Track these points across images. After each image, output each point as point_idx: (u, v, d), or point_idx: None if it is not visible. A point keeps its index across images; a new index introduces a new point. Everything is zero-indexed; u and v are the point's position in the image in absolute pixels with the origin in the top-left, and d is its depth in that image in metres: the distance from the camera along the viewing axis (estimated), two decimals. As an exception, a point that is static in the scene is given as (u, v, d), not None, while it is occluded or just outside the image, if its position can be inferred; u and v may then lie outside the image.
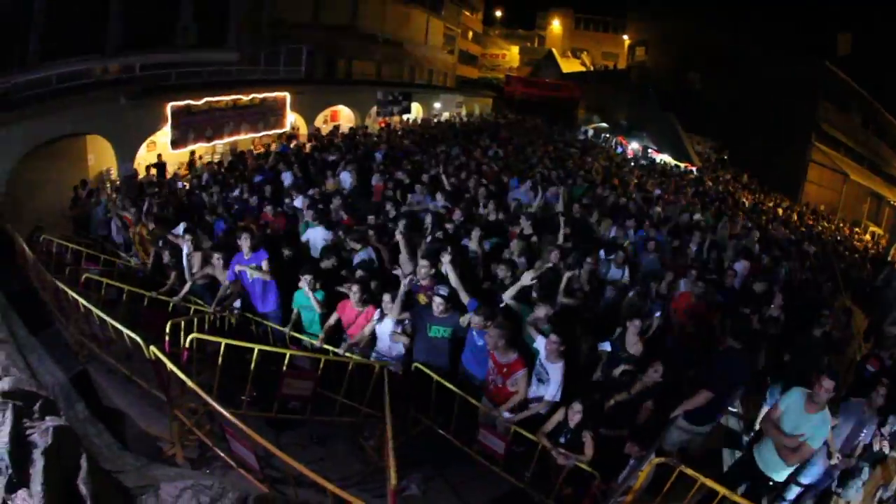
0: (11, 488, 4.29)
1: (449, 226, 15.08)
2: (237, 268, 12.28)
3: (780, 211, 42.84)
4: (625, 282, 14.25)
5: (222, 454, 8.22)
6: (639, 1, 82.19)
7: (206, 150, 32.07)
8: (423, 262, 11.46)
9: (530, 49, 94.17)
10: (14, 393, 5.05)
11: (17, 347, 8.09)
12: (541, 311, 10.52)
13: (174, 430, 8.86)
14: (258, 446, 7.22)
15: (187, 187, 22.66)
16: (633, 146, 61.26)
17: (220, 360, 9.35)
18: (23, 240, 15.09)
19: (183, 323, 10.61)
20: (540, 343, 9.97)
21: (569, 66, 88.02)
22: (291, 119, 36.72)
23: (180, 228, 14.91)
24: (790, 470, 8.49)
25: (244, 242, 12.30)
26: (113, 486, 5.35)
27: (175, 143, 29.13)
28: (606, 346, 10.89)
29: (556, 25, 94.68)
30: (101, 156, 27.69)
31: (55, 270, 14.08)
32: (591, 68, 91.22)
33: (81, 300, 10.40)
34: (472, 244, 13.92)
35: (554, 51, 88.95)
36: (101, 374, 10.47)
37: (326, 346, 11.19)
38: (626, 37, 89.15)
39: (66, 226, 21.15)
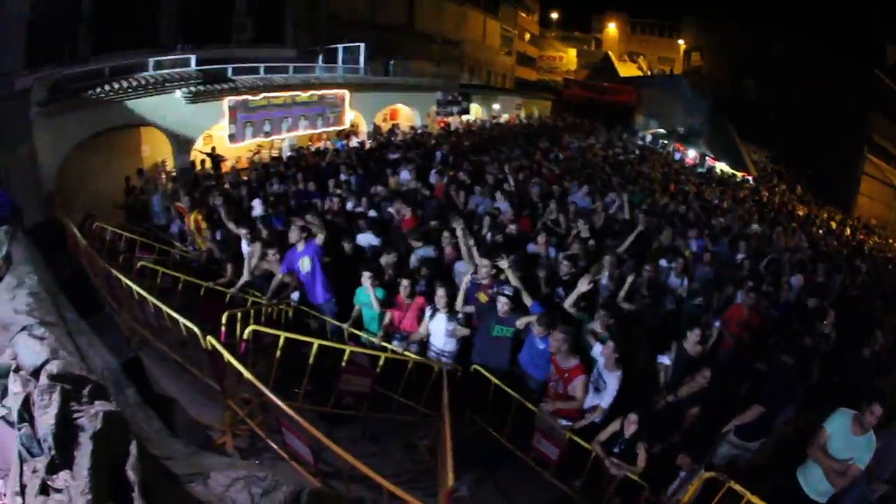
0: (53, 469, 4.55)
1: (513, 227, 15.06)
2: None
3: (833, 224, 42.25)
4: (682, 292, 14.10)
5: (275, 446, 8.26)
6: (693, 6, 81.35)
7: (265, 145, 32.23)
8: (483, 262, 11.41)
9: (587, 52, 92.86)
10: (63, 376, 5.38)
11: (67, 331, 7.99)
12: (599, 324, 10.63)
13: (226, 419, 8.89)
14: (313, 440, 7.16)
15: (245, 180, 22.53)
16: (691, 153, 60.50)
17: (278, 352, 9.47)
18: (75, 227, 15.20)
19: (240, 314, 10.66)
20: (597, 350, 10.00)
21: (625, 70, 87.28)
22: (351, 116, 36.68)
23: (256, 204, 16.03)
24: (833, 491, 8.24)
25: (294, 234, 12.32)
26: (161, 472, 5.55)
27: (233, 138, 29.29)
28: (665, 360, 10.73)
29: (611, 28, 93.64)
30: (156, 147, 27.96)
31: (108, 258, 14.20)
32: (648, 73, 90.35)
33: (136, 287, 10.68)
34: (538, 248, 13.96)
35: (611, 54, 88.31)
36: (152, 361, 10.48)
37: (385, 344, 11.15)
38: (681, 41, 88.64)
39: (118, 215, 21.32)
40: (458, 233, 12.27)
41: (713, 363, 10.29)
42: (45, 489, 4.51)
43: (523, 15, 73.01)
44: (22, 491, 4.61)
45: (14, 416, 5.20)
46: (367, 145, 30.47)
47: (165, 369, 10.47)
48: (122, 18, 26.72)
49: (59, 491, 4.49)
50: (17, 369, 5.93)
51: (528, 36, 78.40)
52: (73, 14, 25.15)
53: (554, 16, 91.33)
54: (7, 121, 21.28)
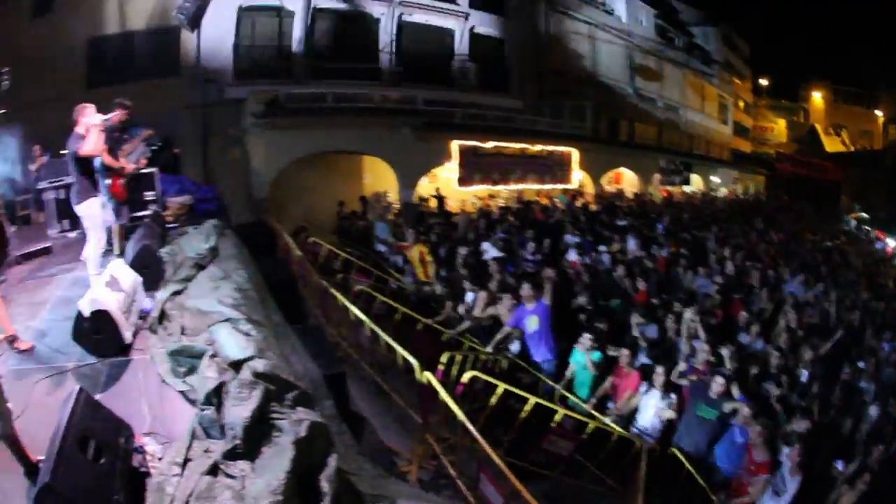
0: (233, 456, 4.93)
1: (743, 314, 14.52)
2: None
3: None
4: (866, 397, 12.98)
5: (463, 488, 8.23)
6: (889, 72, 75.29)
7: (494, 193, 31.38)
8: (703, 347, 11.44)
9: (796, 123, 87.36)
10: (267, 376, 5.80)
11: (274, 334, 8.19)
12: (799, 426, 10.18)
13: (418, 451, 8.99)
14: (509, 490, 7.16)
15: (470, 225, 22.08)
16: (892, 242, 56.08)
17: (492, 401, 9.48)
18: (288, 236, 15.93)
19: (458, 357, 10.93)
20: (785, 452, 9.62)
21: (832, 144, 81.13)
22: (579, 176, 35.16)
23: (490, 251, 16.44)
24: None
25: (525, 291, 12.14)
26: (347, 487, 5.75)
27: (461, 181, 29.02)
28: (841, 466, 9.99)
29: (816, 98, 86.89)
30: (377, 177, 28.10)
31: (321, 273, 14.60)
32: (852, 148, 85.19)
33: (354, 309, 11.50)
34: (749, 338, 13.61)
35: (817, 127, 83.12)
36: (350, 379, 10.30)
37: (594, 412, 11.02)
38: (879, 112, 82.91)
39: (327, 233, 21.31)
40: (688, 316, 12.21)
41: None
42: (214, 471, 4.80)
43: (737, 81, 68.84)
44: (184, 464, 4.89)
45: (199, 397, 5.74)
46: (593, 207, 29.41)
47: (362, 388, 10.83)
48: (340, 48, 27.52)
49: (231, 477, 4.81)
50: (214, 356, 6.38)
51: (742, 104, 74.70)
52: (285, 36, 26.40)
53: (763, 82, 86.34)
54: (217, 125, 23.28)
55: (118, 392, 6.35)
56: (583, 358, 11.36)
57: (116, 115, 10.14)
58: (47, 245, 12.70)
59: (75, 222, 11.87)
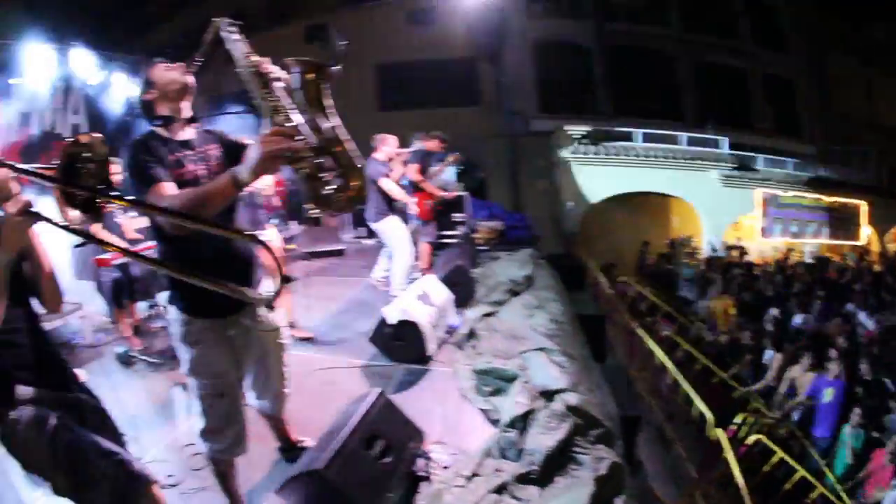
0: (525, 481, 4.92)
1: None
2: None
3: None
4: None
5: None
6: None
7: (791, 246, 28.71)
8: None
9: None
10: (578, 410, 5.72)
11: (584, 368, 8.10)
12: None
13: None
14: None
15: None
16: None
17: (766, 468, 9.65)
18: (600, 273, 15.91)
19: (749, 419, 10.96)
20: None
21: None
22: (867, 232, 31.20)
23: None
24: None
25: (833, 367, 11.49)
26: None
27: (764, 232, 27.49)
28: None
29: None
30: (684, 221, 27.40)
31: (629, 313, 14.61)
32: None
33: (662, 355, 11.62)
34: None
35: None
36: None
37: (842, 494, 10.30)
38: None
39: (629, 272, 21.35)
40: None
41: None
42: (500, 490, 4.78)
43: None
44: (470, 477, 4.93)
45: (501, 418, 5.80)
46: (877, 267, 26.87)
47: (644, 432, 10.24)
48: (640, 87, 27.40)
49: (517, 499, 4.76)
50: (527, 382, 6.39)
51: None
52: (586, 72, 26.68)
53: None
54: (524, 155, 23.56)
55: (409, 397, 6.52)
56: (848, 435, 10.76)
57: (431, 144, 10.87)
58: (340, 248, 13.80)
59: (372, 232, 12.45)
